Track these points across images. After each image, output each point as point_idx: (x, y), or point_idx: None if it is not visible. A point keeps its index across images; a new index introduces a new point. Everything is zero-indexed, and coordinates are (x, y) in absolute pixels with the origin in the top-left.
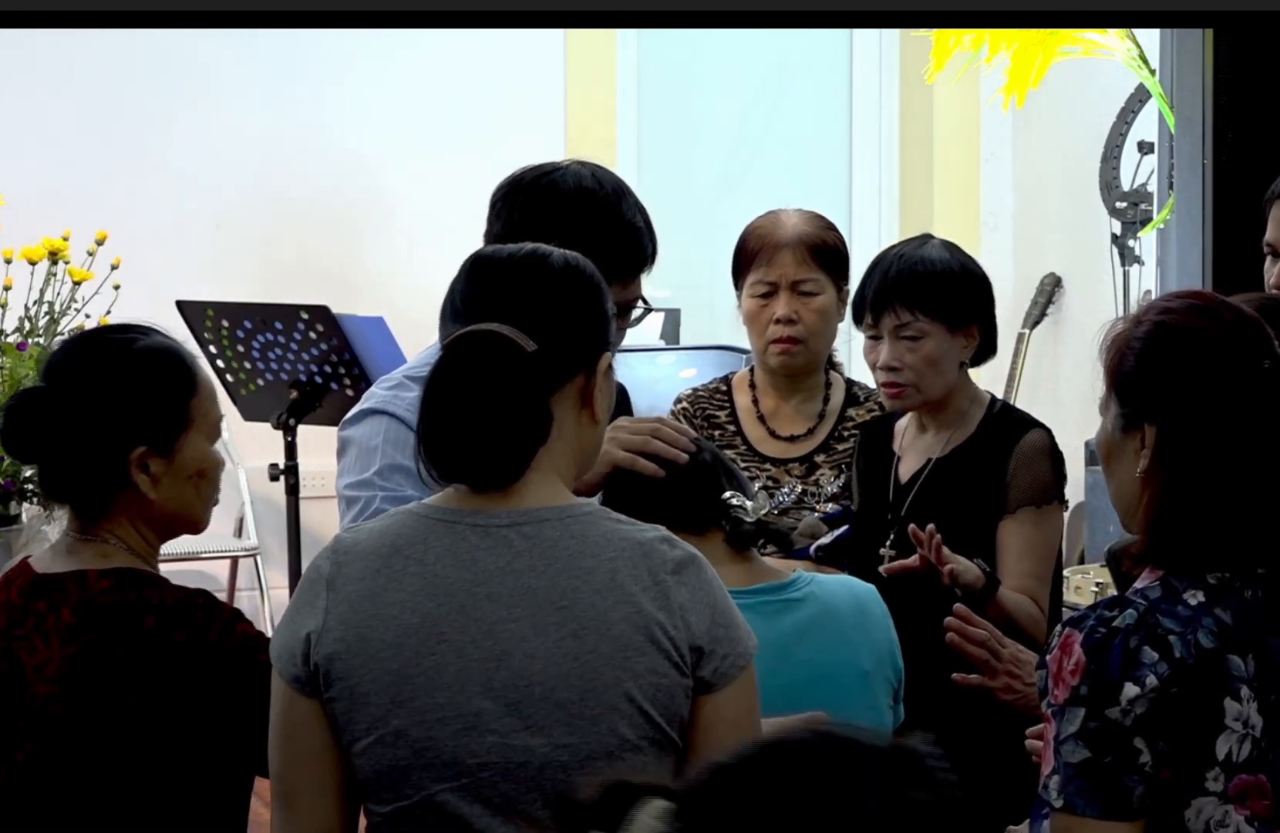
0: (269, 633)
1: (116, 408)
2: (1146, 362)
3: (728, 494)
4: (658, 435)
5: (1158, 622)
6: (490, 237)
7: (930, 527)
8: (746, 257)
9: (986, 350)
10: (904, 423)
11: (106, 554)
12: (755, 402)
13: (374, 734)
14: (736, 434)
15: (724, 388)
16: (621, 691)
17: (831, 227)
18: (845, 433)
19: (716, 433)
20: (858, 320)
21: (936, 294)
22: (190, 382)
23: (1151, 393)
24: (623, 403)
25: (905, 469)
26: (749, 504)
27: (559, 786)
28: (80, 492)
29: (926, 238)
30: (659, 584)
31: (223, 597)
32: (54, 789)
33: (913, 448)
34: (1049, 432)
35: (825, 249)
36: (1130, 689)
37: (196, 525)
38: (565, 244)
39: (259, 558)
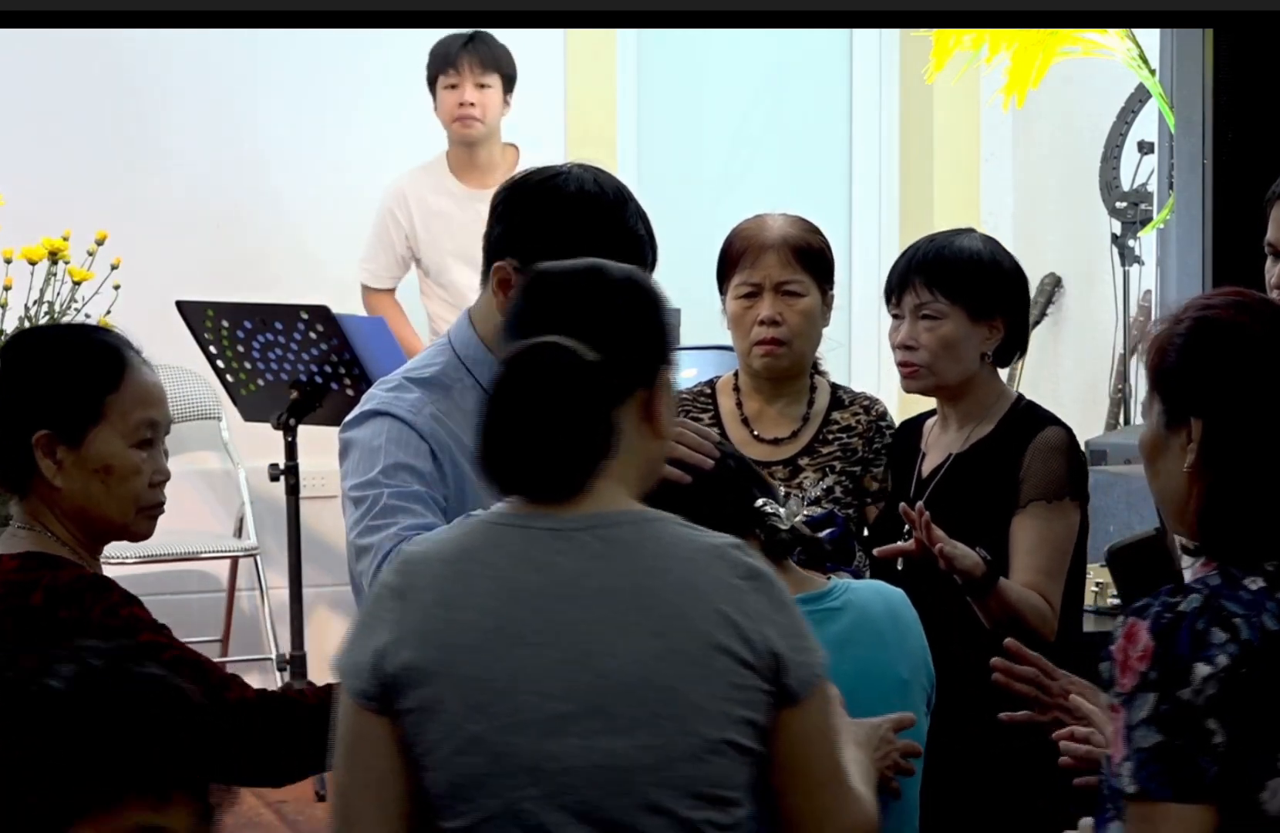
0: (269, 637)
1: (25, 388)
2: (1189, 356)
3: (760, 501)
4: (681, 440)
5: (1222, 605)
6: (490, 239)
7: (919, 505)
8: (731, 259)
9: (1015, 349)
10: (932, 421)
11: (30, 540)
12: (739, 404)
13: (450, 744)
14: (722, 436)
15: (708, 391)
16: (704, 690)
17: (817, 230)
18: (830, 436)
19: None
20: (887, 302)
21: (958, 277)
22: (114, 377)
23: (1196, 387)
24: None
25: (927, 465)
26: (782, 511)
27: (643, 788)
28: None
29: (968, 230)
30: (734, 588)
31: (223, 597)
32: None
33: (937, 444)
34: (1068, 429)
35: (809, 251)
36: (1202, 669)
37: (120, 528)
38: (565, 249)
39: (259, 558)
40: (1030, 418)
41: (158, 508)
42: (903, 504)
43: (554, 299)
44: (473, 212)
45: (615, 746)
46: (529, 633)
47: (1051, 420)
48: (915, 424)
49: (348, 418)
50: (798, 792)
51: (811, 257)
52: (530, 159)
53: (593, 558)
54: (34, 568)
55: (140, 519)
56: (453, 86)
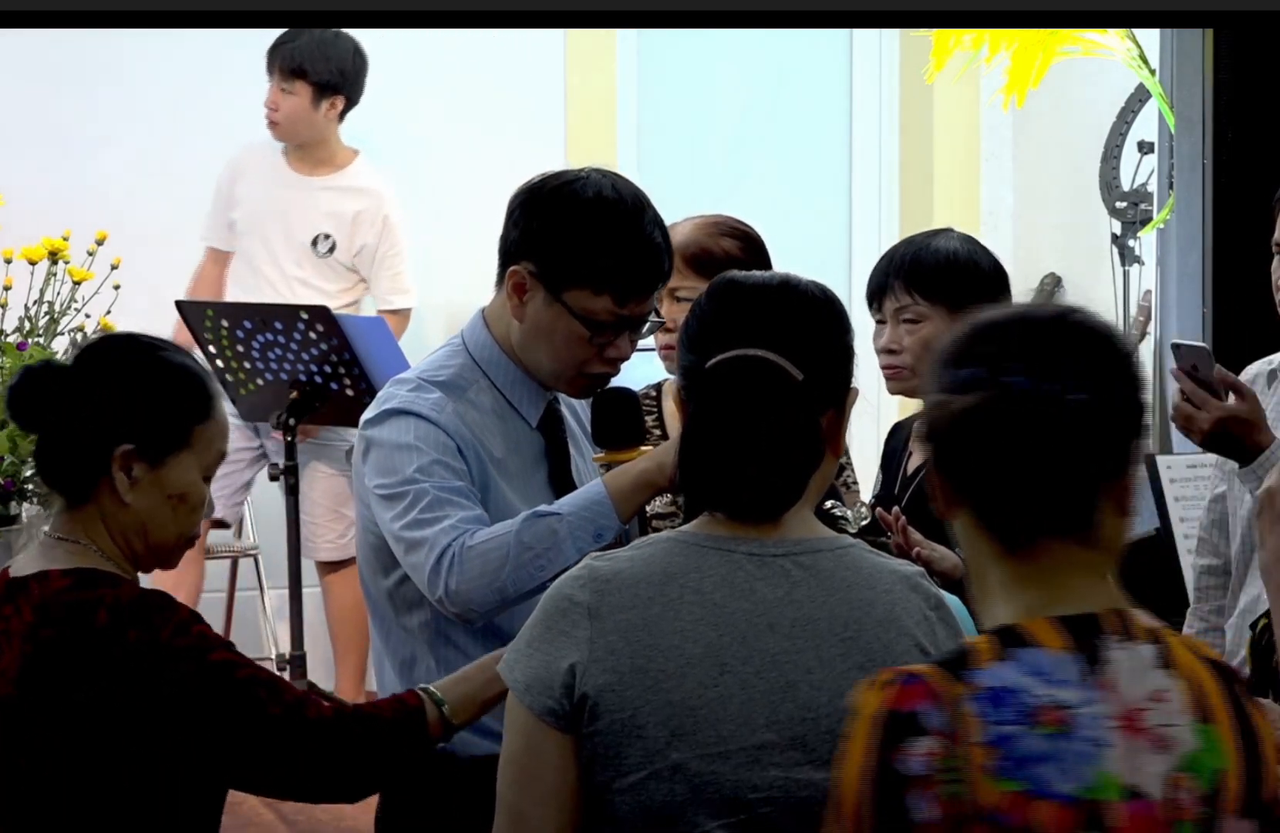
0: (269, 637)
1: (120, 400)
2: None
3: (829, 504)
4: None
5: None
6: (507, 243)
7: (895, 509)
8: None
9: None
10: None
11: (75, 553)
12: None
13: (647, 769)
14: (663, 439)
15: (654, 394)
16: None
17: (731, 234)
18: None
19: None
20: (869, 307)
21: (936, 278)
22: (204, 408)
23: None
24: (632, 404)
25: (911, 464)
26: (850, 514)
27: None
28: (64, 473)
29: (946, 230)
30: (926, 620)
31: (223, 597)
32: (13, 793)
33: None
34: None
35: (704, 258)
36: None
37: (167, 554)
38: (582, 254)
39: (259, 558)
40: None
41: (194, 541)
42: (879, 509)
43: (750, 310)
44: (289, 196)
45: (815, 778)
46: (734, 661)
47: None
48: (904, 425)
49: (367, 416)
50: None
51: (708, 263)
52: (366, 162)
53: (793, 586)
54: (92, 586)
55: (180, 549)
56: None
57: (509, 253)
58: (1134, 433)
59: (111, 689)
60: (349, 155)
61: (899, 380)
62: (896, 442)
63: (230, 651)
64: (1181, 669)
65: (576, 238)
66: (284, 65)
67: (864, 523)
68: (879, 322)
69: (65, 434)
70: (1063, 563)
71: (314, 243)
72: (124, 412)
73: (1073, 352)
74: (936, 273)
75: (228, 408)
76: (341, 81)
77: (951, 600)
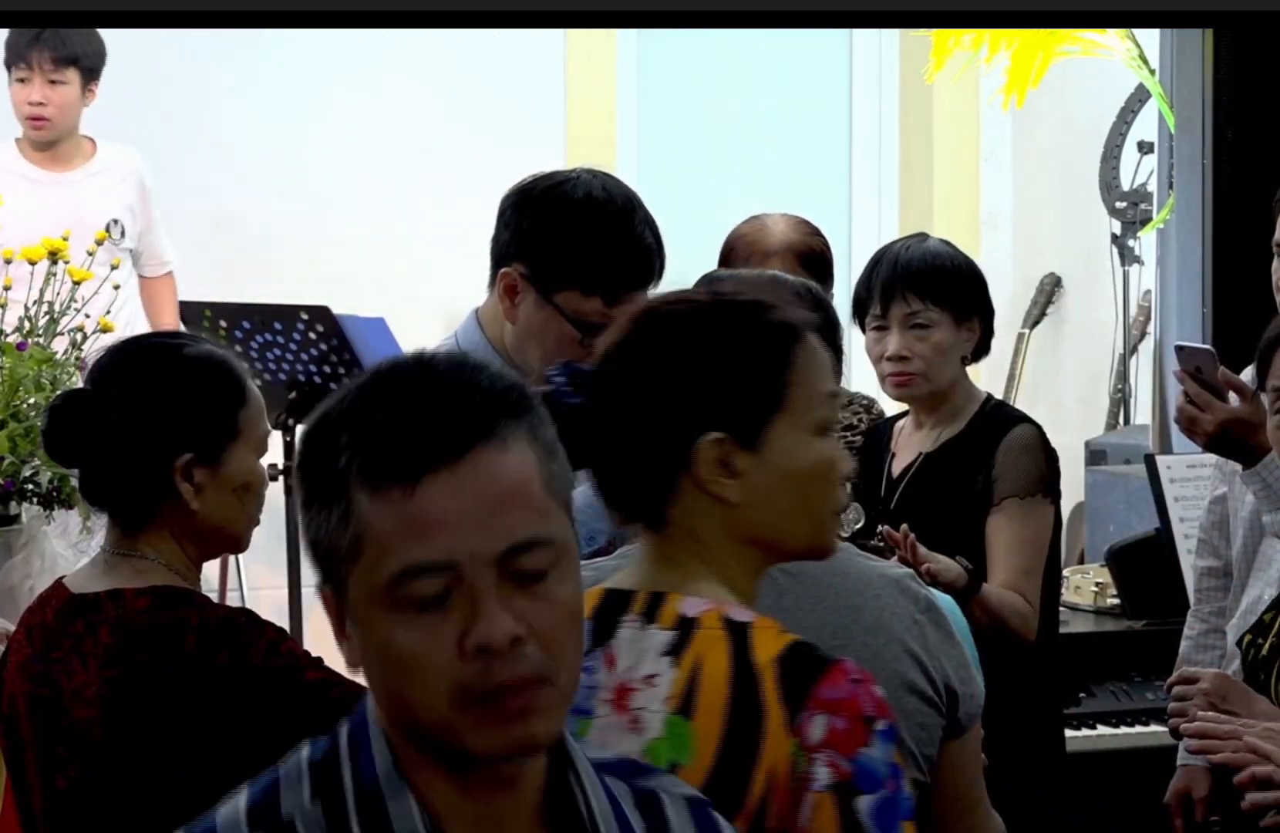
0: None
1: (163, 413)
2: None
3: None
4: None
5: None
6: (498, 245)
7: (904, 527)
8: (734, 265)
9: (983, 347)
10: (902, 423)
11: (143, 571)
12: None
13: None
14: None
15: None
16: None
17: (817, 232)
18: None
19: None
20: (860, 313)
21: (945, 284)
22: (240, 392)
23: None
24: None
25: (897, 465)
26: (844, 518)
27: None
28: (122, 499)
29: (925, 236)
30: (917, 623)
31: (216, 597)
32: (96, 815)
33: (907, 444)
34: (1038, 427)
35: (812, 256)
36: None
37: (238, 543)
38: (572, 255)
39: (244, 557)
40: (1000, 417)
41: (258, 521)
42: (886, 527)
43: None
44: (53, 195)
45: None
46: None
47: (1021, 419)
48: (884, 426)
49: None
50: (948, 818)
51: (814, 261)
52: (108, 150)
53: (780, 594)
54: (174, 606)
55: (249, 532)
56: (23, 81)
57: (500, 255)
58: (681, 431)
59: (204, 714)
60: (90, 142)
61: (909, 387)
62: (878, 443)
63: (320, 667)
64: (689, 660)
65: (566, 239)
66: (55, 53)
67: (856, 527)
68: (877, 329)
69: (116, 462)
70: (647, 543)
71: (108, 230)
72: (170, 423)
73: (631, 349)
74: (945, 279)
75: None
76: (100, 67)
77: (945, 601)
